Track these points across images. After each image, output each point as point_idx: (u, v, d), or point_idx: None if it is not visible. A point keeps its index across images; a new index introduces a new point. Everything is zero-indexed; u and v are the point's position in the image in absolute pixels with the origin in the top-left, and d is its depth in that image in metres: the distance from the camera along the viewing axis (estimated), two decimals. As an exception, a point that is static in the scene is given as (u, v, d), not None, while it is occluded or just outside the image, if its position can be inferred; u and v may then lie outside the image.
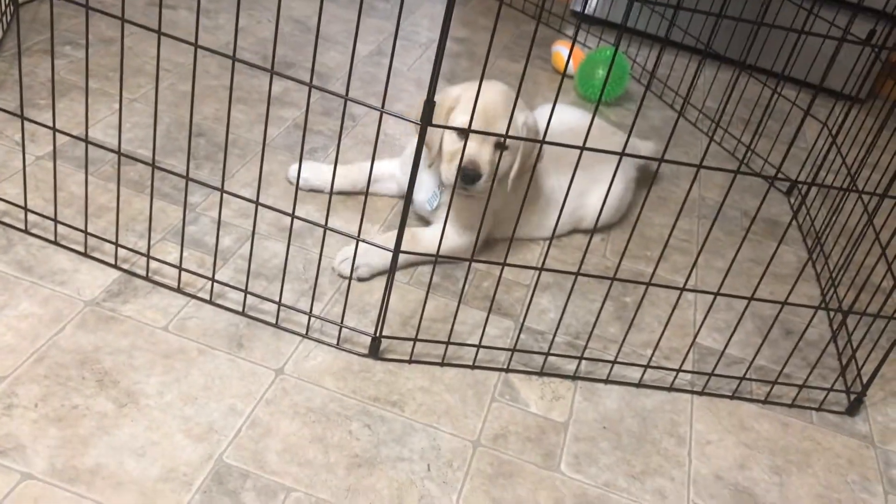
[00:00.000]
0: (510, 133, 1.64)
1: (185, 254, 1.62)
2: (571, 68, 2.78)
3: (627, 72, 2.67)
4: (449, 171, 1.64)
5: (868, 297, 1.81)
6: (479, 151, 1.62)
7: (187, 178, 1.42)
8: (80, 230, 1.55)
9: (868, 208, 1.75)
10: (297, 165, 1.74)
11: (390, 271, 1.41)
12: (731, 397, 1.62)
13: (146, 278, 1.54)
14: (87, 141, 1.46)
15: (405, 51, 2.73)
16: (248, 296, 1.52)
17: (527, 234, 1.91)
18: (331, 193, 1.39)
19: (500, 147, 1.62)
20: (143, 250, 1.58)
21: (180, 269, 1.52)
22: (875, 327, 1.76)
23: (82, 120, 1.94)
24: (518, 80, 2.76)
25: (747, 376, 1.64)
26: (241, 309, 1.53)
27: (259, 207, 1.43)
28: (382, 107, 1.29)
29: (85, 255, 1.56)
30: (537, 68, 2.85)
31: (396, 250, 1.38)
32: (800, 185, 2.37)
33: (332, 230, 1.41)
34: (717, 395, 1.62)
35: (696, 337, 1.62)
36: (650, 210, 2.16)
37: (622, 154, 1.34)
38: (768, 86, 2.57)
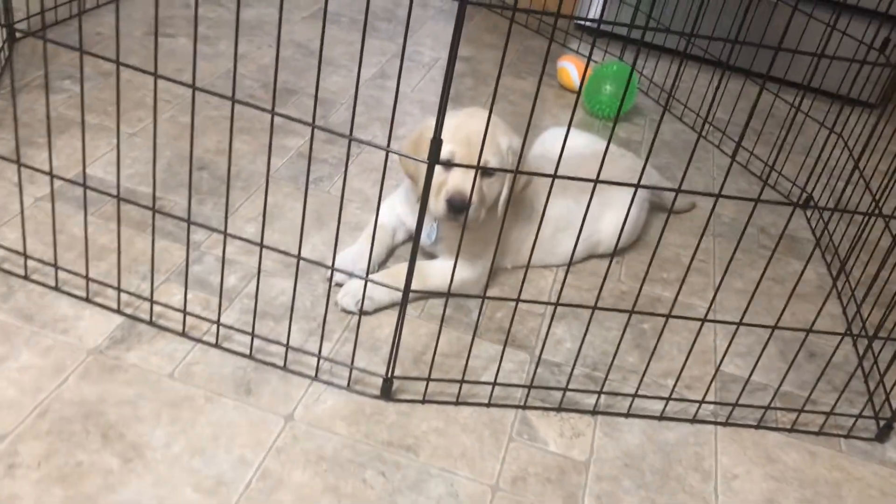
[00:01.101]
0: (495, 159, 1.62)
1: (189, 295, 1.57)
2: (577, 82, 2.73)
3: (635, 86, 2.63)
4: (437, 204, 1.60)
5: (894, 316, 1.75)
6: (465, 181, 1.58)
7: (189, 221, 1.38)
8: (82, 276, 1.51)
9: (892, 230, 1.69)
10: (346, 290, 1.65)
11: (401, 311, 1.36)
12: (757, 427, 1.57)
13: (150, 323, 1.50)
14: (84, 186, 1.42)
15: (408, 72, 2.69)
16: (256, 338, 1.48)
17: (540, 260, 1.87)
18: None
19: (486, 174, 1.60)
20: (147, 293, 1.54)
21: (185, 313, 1.48)
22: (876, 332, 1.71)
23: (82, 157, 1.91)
24: (523, 97, 2.73)
25: (772, 404, 1.58)
26: (248, 352, 1.48)
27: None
28: (389, 143, 1.25)
29: (87, 300, 1.52)
30: (543, 84, 2.81)
31: (406, 289, 1.34)
32: (821, 210, 2.31)
33: (339, 270, 1.37)
34: (742, 425, 1.57)
35: (718, 368, 1.57)
36: (667, 230, 2.11)
37: (637, 186, 1.30)
38: (785, 100, 2.52)
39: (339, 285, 1.68)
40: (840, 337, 1.55)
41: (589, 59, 1.26)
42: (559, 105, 2.69)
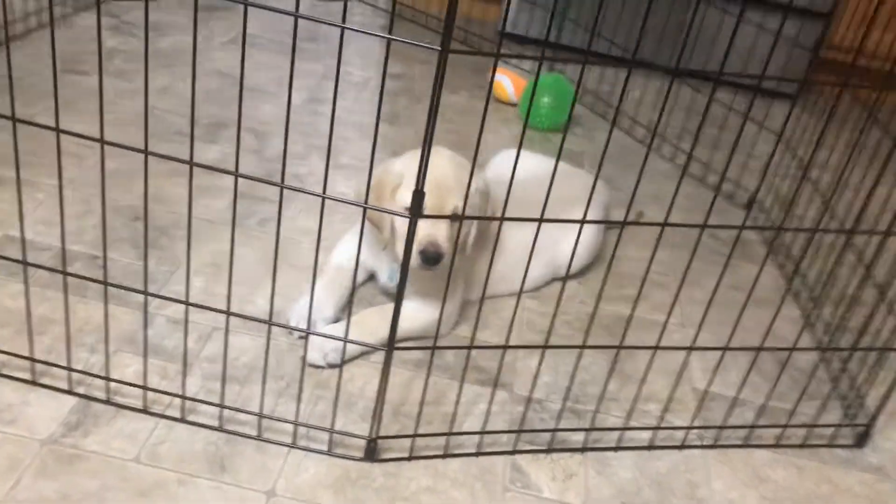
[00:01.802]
0: (463, 201, 1.54)
1: (146, 365, 1.46)
2: (514, 96, 2.70)
3: (572, 97, 2.60)
4: (407, 252, 1.53)
5: (845, 311, 1.77)
6: (436, 229, 1.51)
7: (146, 293, 1.27)
8: (24, 356, 1.39)
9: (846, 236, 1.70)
10: (312, 343, 1.55)
11: (384, 369, 1.28)
12: (742, 446, 1.56)
13: (107, 401, 1.38)
14: (24, 262, 1.29)
15: (340, 93, 2.60)
16: (225, 408, 1.38)
17: (506, 289, 1.82)
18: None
19: (458, 219, 1.54)
20: (98, 368, 1.42)
21: (145, 388, 1.37)
22: (871, 353, 1.72)
23: (6, 217, 1.76)
24: (458, 113, 2.68)
25: (751, 418, 1.57)
26: (217, 423, 1.38)
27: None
28: (324, 191, 1.17)
29: (33, 383, 1.39)
30: (476, 98, 2.76)
31: (390, 346, 1.26)
32: (774, 224, 2.33)
33: (314, 333, 1.28)
34: (729, 445, 1.55)
35: (703, 400, 1.55)
36: (622, 244, 2.08)
37: (583, 222, 1.25)
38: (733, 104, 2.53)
39: (302, 338, 1.59)
40: (812, 349, 1.55)
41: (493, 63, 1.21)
42: (497, 119, 2.65)
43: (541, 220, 1.22)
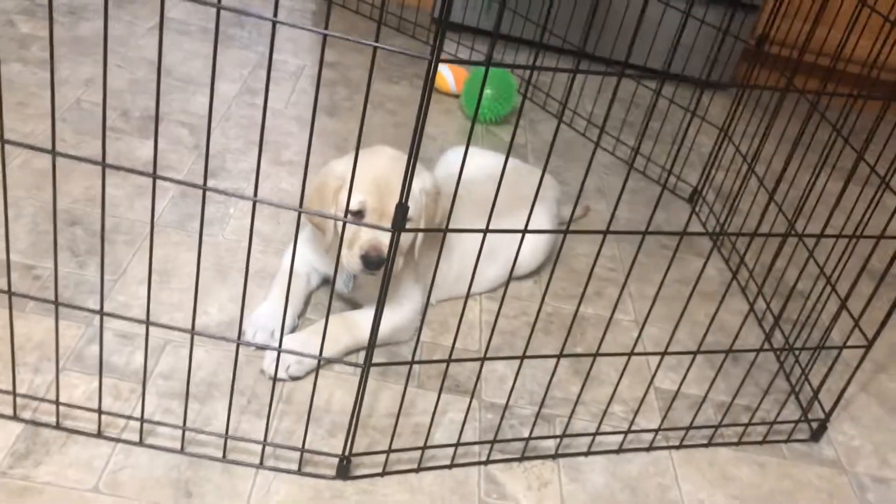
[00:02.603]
0: (408, 202, 1.49)
1: (94, 384, 1.37)
2: (454, 88, 2.65)
3: (514, 88, 2.57)
4: (350, 256, 1.48)
5: (796, 306, 1.81)
6: (379, 232, 1.46)
7: (101, 312, 1.18)
8: (-37, 381, 1.28)
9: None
10: (272, 355, 1.48)
11: (359, 389, 1.23)
12: (707, 445, 1.57)
13: (57, 426, 1.29)
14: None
15: (276, 84, 2.50)
16: (187, 431, 1.31)
17: (464, 291, 1.78)
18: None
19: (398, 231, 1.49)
20: (45, 390, 1.33)
21: (99, 412, 1.28)
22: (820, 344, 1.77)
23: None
24: (400, 104, 2.62)
25: (711, 415, 1.59)
26: (178, 446, 1.31)
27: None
28: (255, 192, 1.11)
29: (-28, 409, 1.29)
30: (417, 89, 2.70)
31: (367, 363, 1.21)
32: (718, 218, 2.36)
33: (287, 352, 1.22)
34: (693, 445, 1.56)
35: (671, 403, 1.55)
36: (572, 241, 2.08)
37: (525, 231, 1.21)
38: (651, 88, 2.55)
39: (260, 349, 1.52)
40: (759, 345, 1.57)
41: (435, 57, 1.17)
42: (439, 111, 2.60)
43: (486, 231, 1.18)
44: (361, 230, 1.47)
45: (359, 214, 1.49)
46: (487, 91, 2.52)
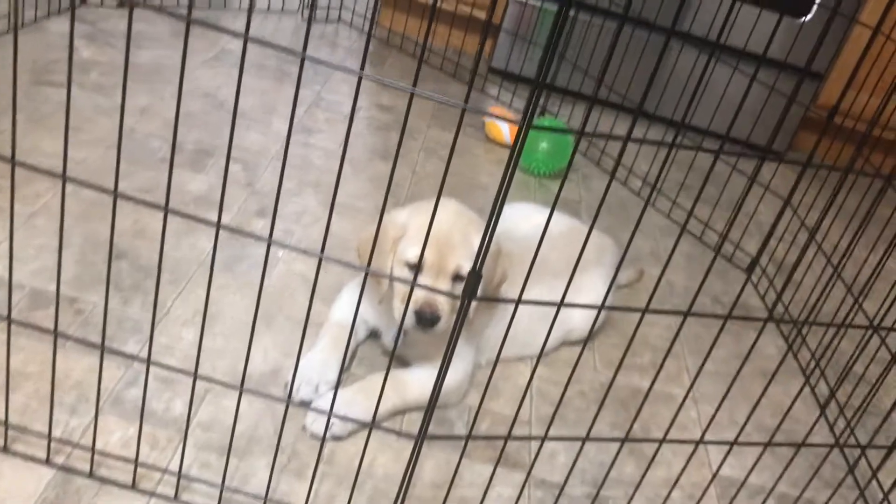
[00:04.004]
0: (469, 263, 1.43)
1: (131, 431, 1.31)
2: (508, 139, 2.61)
3: (570, 142, 2.52)
4: (403, 310, 1.41)
5: (860, 391, 1.71)
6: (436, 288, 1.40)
7: (149, 361, 1.12)
8: (-3, 421, 1.22)
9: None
10: (300, 382, 1.45)
11: (411, 464, 1.16)
12: (768, 541, 1.47)
13: (90, 475, 1.23)
14: (9, 320, 1.13)
15: (330, 125, 2.47)
16: (226, 490, 1.24)
17: (515, 354, 1.71)
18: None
19: (460, 279, 1.43)
20: (80, 433, 1.26)
21: (136, 463, 1.21)
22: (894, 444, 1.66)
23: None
24: (450, 148, 2.57)
25: (780, 514, 1.50)
26: (215, 504, 1.24)
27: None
28: (322, 249, 1.05)
29: (4, 450, 1.22)
30: (470, 137, 2.66)
31: (422, 434, 1.14)
32: (790, 314, 2.27)
33: (329, 413, 1.15)
34: (754, 540, 1.47)
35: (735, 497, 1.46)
36: (627, 304, 2.00)
37: (601, 307, 1.12)
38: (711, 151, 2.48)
39: (306, 404, 1.45)
40: (825, 434, 1.47)
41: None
42: (490, 161, 2.55)
43: (560, 305, 1.10)
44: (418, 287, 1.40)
45: (416, 268, 1.43)
46: (543, 144, 2.46)
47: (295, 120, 2.41)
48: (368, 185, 2.21)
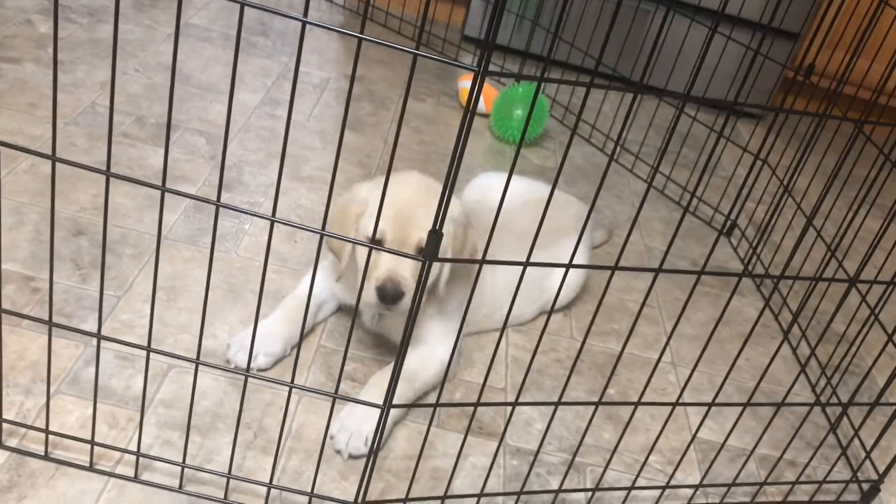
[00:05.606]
0: (441, 230, 1.36)
1: (90, 410, 1.26)
2: (483, 107, 2.55)
3: (546, 110, 2.47)
4: (367, 288, 1.34)
5: (842, 350, 1.69)
6: (399, 264, 1.34)
7: (149, 349, 1.07)
8: (-54, 403, 1.17)
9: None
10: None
11: (378, 431, 1.12)
12: (749, 503, 1.45)
13: (45, 457, 1.18)
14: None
15: (299, 96, 2.40)
16: (187, 468, 1.20)
17: (494, 324, 1.67)
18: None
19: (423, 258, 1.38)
20: (35, 415, 1.22)
21: (92, 443, 1.17)
22: (875, 401, 1.64)
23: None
24: (426, 122, 2.52)
25: (753, 469, 1.47)
26: (177, 484, 1.19)
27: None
28: (274, 212, 1.00)
29: (-46, 434, 1.18)
30: (444, 107, 2.60)
31: (387, 403, 1.10)
32: (768, 271, 2.24)
33: (301, 388, 1.11)
34: (735, 503, 1.44)
35: (708, 470, 1.43)
36: (604, 274, 1.96)
37: (569, 266, 1.08)
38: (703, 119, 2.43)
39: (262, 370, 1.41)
40: (806, 394, 1.45)
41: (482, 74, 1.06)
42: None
43: (526, 264, 1.05)
44: (380, 261, 1.35)
45: (378, 244, 1.38)
46: (518, 112, 2.41)
47: (263, 92, 2.35)
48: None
